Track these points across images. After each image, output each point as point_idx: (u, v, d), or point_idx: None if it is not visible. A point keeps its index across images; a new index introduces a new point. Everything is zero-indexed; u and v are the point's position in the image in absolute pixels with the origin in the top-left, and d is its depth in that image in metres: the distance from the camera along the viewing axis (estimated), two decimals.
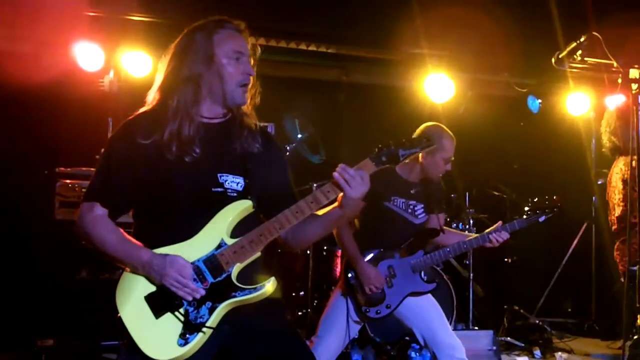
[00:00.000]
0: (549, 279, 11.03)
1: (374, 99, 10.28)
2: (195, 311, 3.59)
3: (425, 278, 5.90)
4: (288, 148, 8.59)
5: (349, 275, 5.79)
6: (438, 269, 8.42)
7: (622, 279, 6.24)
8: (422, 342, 5.89)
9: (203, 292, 3.60)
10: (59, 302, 7.40)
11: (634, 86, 4.64)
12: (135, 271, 3.65)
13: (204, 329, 3.57)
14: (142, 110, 3.92)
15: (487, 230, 6.08)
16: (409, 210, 6.02)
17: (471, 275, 9.45)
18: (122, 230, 3.78)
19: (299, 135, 8.69)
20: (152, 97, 3.95)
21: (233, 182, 3.81)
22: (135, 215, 3.89)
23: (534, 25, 9.04)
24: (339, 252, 8.53)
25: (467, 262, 9.52)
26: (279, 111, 8.85)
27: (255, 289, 3.66)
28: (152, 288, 3.62)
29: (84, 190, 7.43)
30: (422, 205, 6.08)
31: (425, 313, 5.88)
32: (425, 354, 7.36)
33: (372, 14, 9.02)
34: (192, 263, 3.63)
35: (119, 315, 3.63)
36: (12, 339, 7.59)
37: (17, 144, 8.47)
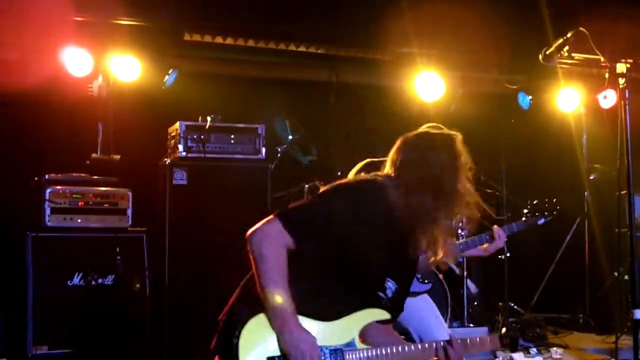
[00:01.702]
0: (542, 275, 11.04)
1: (364, 99, 10.26)
2: None
3: (420, 278, 5.88)
4: (279, 150, 8.59)
5: None
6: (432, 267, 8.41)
7: None
8: (417, 341, 5.86)
9: None
10: (52, 308, 7.37)
11: (621, 80, 4.64)
12: (269, 320, 3.57)
13: None
14: (378, 178, 3.88)
15: (484, 246, 6.06)
16: None
17: (465, 272, 9.45)
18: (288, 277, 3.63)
19: (290, 137, 8.69)
20: (390, 169, 3.94)
21: (390, 288, 3.86)
22: (299, 267, 3.69)
23: (523, 22, 9.04)
24: None
25: (461, 260, 9.51)
26: (270, 113, 8.85)
27: None
28: (276, 352, 3.56)
29: (74, 196, 7.51)
30: None
31: (421, 312, 5.86)
32: None
33: (361, 14, 9.02)
34: (320, 347, 3.61)
35: (236, 349, 3.55)
36: (5, 346, 7.57)
37: (6, 151, 8.44)
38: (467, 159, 4.00)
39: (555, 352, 7.97)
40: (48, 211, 7.47)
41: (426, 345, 3.89)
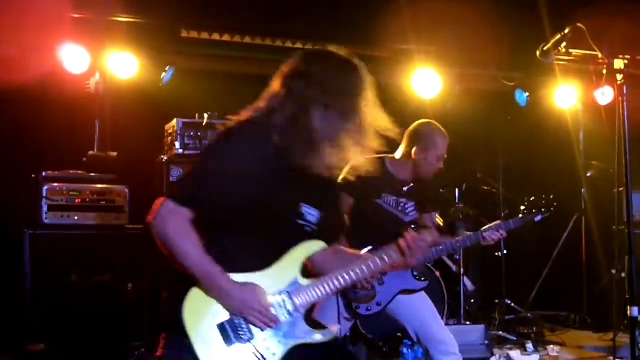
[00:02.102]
0: (539, 272, 11.05)
1: None
2: (266, 347, 3.56)
3: (416, 275, 5.87)
4: None
5: None
6: (428, 264, 8.42)
7: None
8: (414, 338, 5.88)
9: (280, 321, 3.58)
10: (49, 305, 7.37)
11: (619, 76, 4.64)
12: (207, 292, 3.53)
13: None
14: (245, 117, 3.75)
15: (482, 229, 6.07)
16: (399, 208, 6.00)
17: (462, 269, 9.45)
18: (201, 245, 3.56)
19: None
20: (259, 104, 3.83)
21: (310, 213, 3.78)
22: (210, 230, 3.64)
23: (520, 19, 9.05)
24: None
25: (457, 256, 9.51)
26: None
27: (324, 334, 3.71)
28: (225, 316, 3.54)
29: (71, 193, 7.51)
30: (413, 203, 6.06)
31: (418, 309, 5.86)
32: (418, 349, 7.35)
33: (358, 11, 9.02)
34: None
35: (181, 324, 3.50)
36: (2, 343, 7.56)
37: (3, 147, 8.43)
38: (361, 81, 3.87)
39: (552, 349, 7.98)
40: (45, 208, 7.48)
41: (374, 257, 3.83)
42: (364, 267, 3.80)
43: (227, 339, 3.52)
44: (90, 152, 8.60)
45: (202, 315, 3.52)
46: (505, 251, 10.18)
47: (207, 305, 3.53)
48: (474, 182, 10.45)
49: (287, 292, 3.63)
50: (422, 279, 5.89)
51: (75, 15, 8.32)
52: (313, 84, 3.69)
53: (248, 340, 3.53)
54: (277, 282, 3.63)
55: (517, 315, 10.29)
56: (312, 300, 3.68)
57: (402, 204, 6.00)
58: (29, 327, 7.32)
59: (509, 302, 10.24)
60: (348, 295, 5.73)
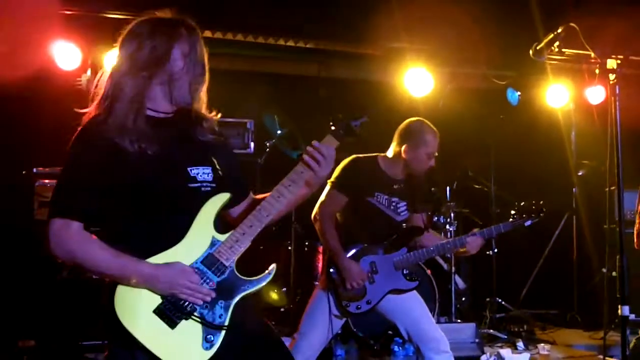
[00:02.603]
0: (530, 270, 11.08)
1: (353, 94, 10.26)
2: (211, 312, 3.53)
3: (407, 276, 5.87)
4: (268, 144, 8.59)
5: (331, 270, 5.76)
6: (421, 264, 8.43)
7: None
8: (405, 336, 5.87)
9: (214, 294, 3.53)
10: (40, 302, 7.36)
11: (612, 76, 4.65)
12: (131, 285, 3.48)
13: (225, 328, 3.52)
14: (92, 110, 3.75)
15: (473, 231, 6.08)
16: (392, 207, 6.00)
17: (453, 268, 9.47)
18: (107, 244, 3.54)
19: (279, 131, 8.69)
20: (99, 89, 3.80)
21: (204, 173, 3.75)
22: (108, 223, 3.65)
23: (512, 18, 9.05)
24: (321, 248, 8.51)
25: (449, 255, 9.53)
26: (259, 107, 8.84)
27: (263, 278, 3.65)
28: (158, 301, 3.50)
29: None
30: (405, 203, 6.07)
31: (409, 307, 5.86)
32: (409, 347, 7.38)
33: (350, 9, 9.01)
34: (190, 266, 3.54)
35: (120, 325, 3.45)
36: None
37: None
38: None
39: (543, 348, 8.01)
40: (36, 205, 7.46)
41: (277, 192, 3.76)
42: (275, 198, 3.74)
43: (169, 322, 3.49)
44: None
45: (136, 309, 3.48)
46: (496, 250, 10.20)
47: (137, 297, 3.49)
48: (465, 181, 10.47)
49: (210, 253, 3.60)
50: (414, 279, 5.89)
51: (67, 12, 8.30)
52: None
53: (191, 313, 3.51)
54: (195, 249, 3.59)
55: (508, 313, 10.31)
56: (237, 250, 3.63)
57: (394, 203, 6.00)
58: (20, 324, 7.30)
59: (500, 300, 10.27)
60: (339, 294, 5.74)
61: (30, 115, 8.56)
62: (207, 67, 3.85)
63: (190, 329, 3.50)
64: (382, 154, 6.02)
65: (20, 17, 7.88)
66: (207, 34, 8.97)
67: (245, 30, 9.07)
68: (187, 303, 3.50)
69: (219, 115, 3.89)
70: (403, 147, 5.89)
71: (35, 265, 7.37)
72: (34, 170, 7.64)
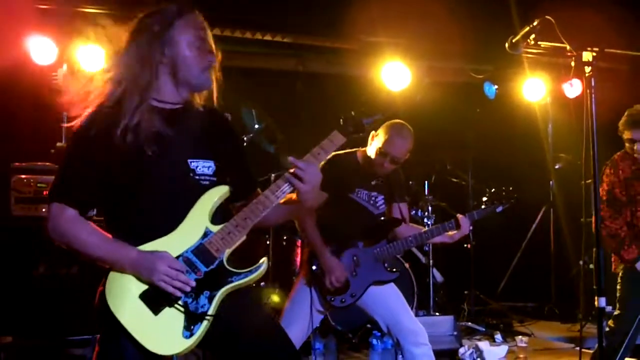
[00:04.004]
0: (508, 263, 11.13)
1: (331, 88, 10.26)
2: (195, 302, 3.54)
3: (388, 267, 5.89)
4: (245, 139, 8.56)
5: (314, 267, 5.76)
6: (398, 256, 8.44)
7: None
8: (384, 330, 5.89)
9: (193, 284, 3.53)
10: (17, 298, 7.32)
11: (587, 69, 4.66)
12: (122, 271, 3.55)
13: (207, 317, 3.52)
14: (97, 101, 3.74)
15: (447, 222, 6.09)
16: (371, 202, 6.02)
17: (431, 261, 9.49)
18: (100, 229, 3.64)
19: (257, 126, 8.67)
20: (104, 87, 3.79)
21: (204, 166, 3.77)
22: (107, 212, 3.76)
23: (489, 12, 9.07)
24: (299, 242, 8.50)
25: (427, 248, 9.56)
26: (236, 102, 8.81)
27: (251, 272, 3.65)
28: (145, 286, 3.54)
29: (39, 185, 7.44)
30: (383, 197, 6.09)
31: (388, 300, 5.87)
32: (387, 341, 7.38)
33: (327, 3, 9.01)
34: (180, 255, 3.58)
35: (108, 311, 3.50)
36: None
37: None
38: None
39: (521, 340, 8.02)
40: (13, 200, 7.42)
41: (276, 186, 3.74)
42: (273, 193, 3.73)
43: (153, 308, 3.52)
44: (59, 144, 8.53)
45: (123, 293, 3.53)
46: (474, 242, 10.24)
47: (126, 282, 3.54)
48: (443, 174, 10.50)
49: (201, 243, 3.62)
50: (394, 270, 5.91)
51: (42, 7, 8.25)
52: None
53: (174, 302, 3.52)
54: (186, 239, 3.62)
55: (486, 306, 10.35)
56: (230, 242, 3.65)
57: (373, 198, 6.02)
58: None
59: (478, 293, 10.30)
60: (323, 288, 5.74)
61: (6, 110, 8.52)
62: (215, 52, 3.86)
63: (173, 316, 3.52)
64: (362, 149, 6.02)
65: None
66: None
67: (222, 24, 9.04)
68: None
69: (230, 116, 3.91)
70: (372, 146, 5.90)
71: (11, 261, 7.33)
72: (10, 165, 7.59)
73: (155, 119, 3.69)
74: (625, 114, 6.39)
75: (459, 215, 6.00)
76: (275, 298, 8.52)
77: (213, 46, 3.87)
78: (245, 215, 3.68)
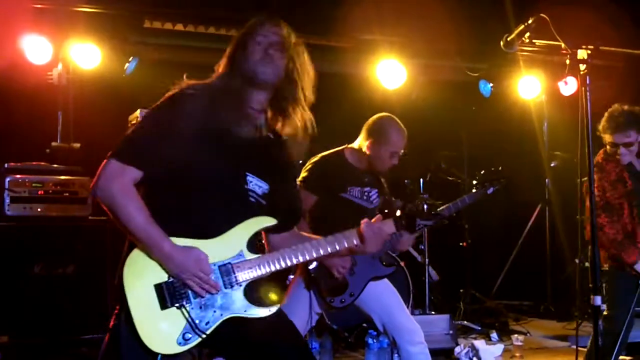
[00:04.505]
0: (504, 262, 11.11)
1: (326, 86, 10.17)
2: (202, 315, 3.53)
3: (384, 262, 5.90)
4: None
5: (310, 268, 5.75)
6: (394, 254, 8.44)
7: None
8: (380, 328, 5.88)
9: (220, 289, 3.54)
10: (13, 298, 7.32)
11: (582, 67, 4.65)
12: (148, 255, 3.52)
13: (204, 335, 3.51)
14: (201, 82, 3.82)
15: (439, 209, 6.11)
16: (364, 197, 6.01)
17: (427, 260, 9.49)
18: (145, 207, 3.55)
19: None
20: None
21: (257, 185, 3.78)
22: (155, 192, 3.66)
23: (484, 9, 9.07)
24: None
25: (423, 247, 9.55)
26: None
27: (261, 310, 3.65)
28: (164, 278, 3.52)
29: (34, 185, 7.44)
30: (376, 190, 6.09)
31: (384, 299, 5.87)
32: (383, 340, 7.37)
33: (322, 1, 9.01)
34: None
35: (120, 284, 3.49)
36: None
37: None
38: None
39: (517, 339, 8.02)
40: (8, 200, 7.41)
41: (332, 238, 3.84)
42: (316, 248, 3.79)
43: (162, 302, 3.50)
44: (54, 144, 8.54)
45: (141, 276, 3.51)
46: (469, 241, 10.24)
47: (147, 266, 3.52)
48: (438, 172, 10.49)
49: (230, 263, 3.60)
50: (390, 264, 5.93)
51: (37, 6, 8.25)
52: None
53: (183, 306, 3.50)
54: (221, 251, 3.60)
55: (482, 305, 10.35)
56: (256, 275, 3.64)
57: (366, 193, 6.02)
58: None
59: (474, 292, 10.30)
60: (321, 290, 5.74)
61: (1, 109, 8.50)
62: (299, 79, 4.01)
63: (176, 318, 3.51)
64: (349, 146, 6.02)
65: None
66: (179, 27, 8.97)
67: (216, 23, 9.04)
68: (186, 294, 3.51)
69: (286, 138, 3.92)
70: (367, 143, 5.89)
71: (7, 261, 7.32)
72: (5, 165, 7.59)
73: (244, 117, 3.74)
74: (605, 116, 6.37)
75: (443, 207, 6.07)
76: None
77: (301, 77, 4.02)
78: (280, 256, 3.72)
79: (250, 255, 3.65)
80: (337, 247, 3.82)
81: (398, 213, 3.86)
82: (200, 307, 3.54)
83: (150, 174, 3.57)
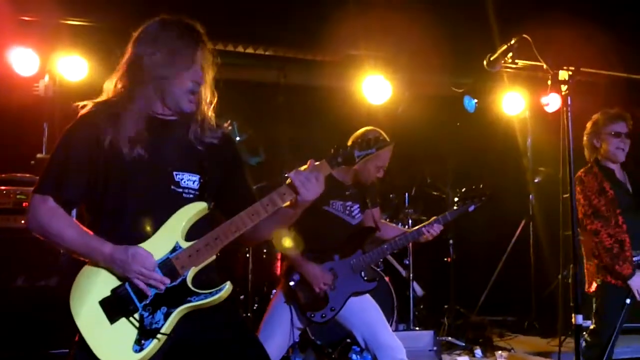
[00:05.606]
0: (488, 277, 11.12)
1: (313, 101, 10.27)
2: (151, 316, 3.54)
3: (365, 277, 5.91)
4: None
5: (291, 283, 5.76)
6: (378, 269, 8.46)
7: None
8: (362, 344, 5.88)
9: (168, 282, 3.56)
10: None
11: (564, 87, 4.69)
12: (96, 265, 3.58)
13: (159, 335, 3.51)
14: (98, 100, 3.85)
15: (421, 225, 6.14)
16: (347, 212, 6.04)
17: (412, 275, 9.50)
18: (79, 222, 3.68)
19: (237, 138, 8.68)
20: (111, 85, 3.92)
21: (189, 180, 3.78)
22: (88, 211, 3.79)
23: (469, 25, 9.11)
24: (279, 255, 8.50)
25: (407, 261, 9.57)
26: (218, 114, 8.81)
27: (211, 294, 3.62)
28: (107, 292, 3.55)
29: (19, 196, 7.42)
30: (358, 205, 6.12)
31: (366, 314, 5.88)
32: (366, 356, 7.37)
33: (309, 16, 9.03)
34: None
35: (70, 314, 3.56)
36: None
37: None
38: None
39: (500, 355, 8.05)
40: None
41: (266, 200, 3.75)
42: (250, 215, 3.72)
43: (110, 316, 3.53)
44: (39, 156, 8.51)
45: (86, 297, 3.56)
46: (454, 256, 10.25)
47: (90, 284, 3.58)
48: (423, 187, 10.52)
49: (169, 257, 3.62)
50: (372, 279, 5.94)
51: (25, 18, 8.26)
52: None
53: (132, 314, 3.53)
54: (159, 249, 3.62)
55: (467, 320, 10.35)
56: (197, 260, 3.65)
57: (348, 207, 6.04)
58: None
59: (458, 307, 10.31)
60: (302, 305, 5.75)
61: None
62: (203, 74, 4.11)
63: (127, 328, 3.54)
64: None
65: None
66: None
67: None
68: (131, 300, 3.54)
69: (229, 127, 3.93)
70: None
71: None
72: None
73: (150, 128, 3.73)
74: (592, 119, 6.42)
75: (433, 219, 6.08)
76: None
77: (203, 72, 4.15)
78: (216, 234, 3.69)
79: (186, 244, 3.66)
80: (273, 207, 3.73)
81: (332, 151, 3.82)
82: (147, 310, 3.56)
83: (73, 198, 3.69)
